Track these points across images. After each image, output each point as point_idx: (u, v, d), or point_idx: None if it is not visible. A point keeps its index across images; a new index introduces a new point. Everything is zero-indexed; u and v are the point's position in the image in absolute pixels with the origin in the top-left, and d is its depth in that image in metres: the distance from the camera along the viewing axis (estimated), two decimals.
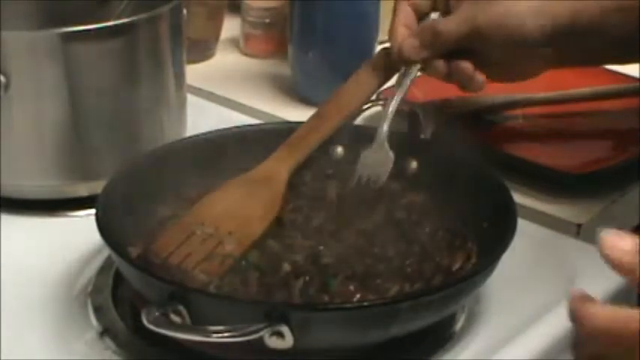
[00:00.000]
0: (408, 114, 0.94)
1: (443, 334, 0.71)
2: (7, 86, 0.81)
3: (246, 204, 0.77)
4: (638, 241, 0.54)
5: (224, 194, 0.78)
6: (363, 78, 0.87)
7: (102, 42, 0.83)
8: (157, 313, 0.62)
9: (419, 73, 0.85)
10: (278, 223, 0.76)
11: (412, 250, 0.73)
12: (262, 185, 0.78)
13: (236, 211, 0.76)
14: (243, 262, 0.71)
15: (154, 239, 0.74)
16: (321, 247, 0.73)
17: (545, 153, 0.95)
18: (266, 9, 1.23)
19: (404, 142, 0.84)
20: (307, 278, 0.68)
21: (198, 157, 0.82)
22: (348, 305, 0.66)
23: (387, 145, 0.81)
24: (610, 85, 1.07)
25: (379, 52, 0.91)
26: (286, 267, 0.70)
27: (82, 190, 0.87)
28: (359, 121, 0.88)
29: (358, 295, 0.67)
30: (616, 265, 0.55)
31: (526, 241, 0.77)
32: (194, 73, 1.07)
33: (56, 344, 0.71)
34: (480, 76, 0.82)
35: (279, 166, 0.80)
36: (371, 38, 1.09)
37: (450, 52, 0.82)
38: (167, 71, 0.90)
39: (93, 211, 0.71)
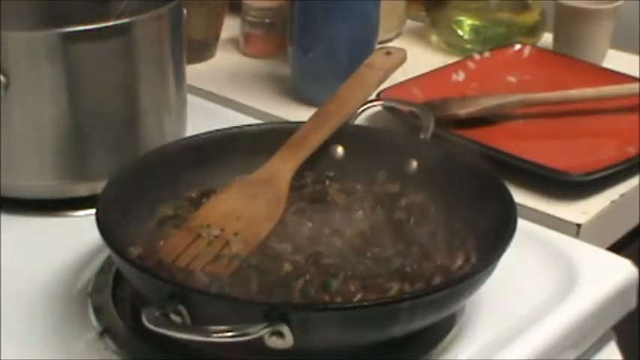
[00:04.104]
0: (408, 114, 0.94)
1: (443, 334, 0.71)
2: (7, 86, 0.81)
3: (251, 205, 0.77)
4: None
5: (229, 196, 0.78)
6: (362, 78, 0.88)
7: (102, 42, 0.83)
8: (157, 313, 0.62)
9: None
10: (279, 223, 0.76)
11: (412, 250, 0.73)
12: (266, 186, 0.78)
13: (241, 212, 0.76)
14: (244, 263, 0.71)
15: (155, 239, 0.74)
16: (322, 248, 0.73)
17: (545, 153, 0.95)
18: (266, 9, 1.23)
19: (404, 142, 0.84)
20: (307, 278, 0.68)
21: (198, 157, 0.82)
22: (348, 305, 0.66)
23: None
24: (610, 85, 1.07)
25: (379, 52, 0.91)
26: (287, 267, 0.70)
27: (82, 190, 0.87)
28: (359, 121, 0.88)
29: (358, 295, 0.67)
30: None
31: (526, 241, 0.77)
32: (194, 73, 1.07)
33: (56, 344, 0.71)
34: None
35: (282, 167, 0.80)
36: (371, 38, 1.09)
37: None
38: (167, 71, 0.90)
39: (93, 211, 0.71)
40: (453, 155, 0.81)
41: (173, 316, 0.62)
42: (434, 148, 0.83)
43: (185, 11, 0.92)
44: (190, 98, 0.98)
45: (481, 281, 0.68)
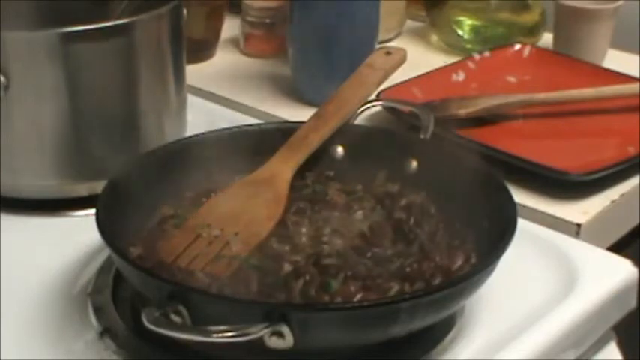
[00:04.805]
0: (408, 114, 0.94)
1: (443, 334, 0.71)
2: (7, 86, 0.81)
3: (251, 205, 0.77)
4: None
5: (229, 196, 0.78)
6: (362, 78, 0.88)
7: (102, 42, 0.83)
8: (156, 313, 0.62)
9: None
10: (279, 223, 0.76)
11: (412, 250, 0.73)
12: (266, 186, 0.78)
13: (241, 212, 0.76)
14: (244, 263, 0.71)
15: (155, 239, 0.74)
16: (322, 248, 0.73)
17: (545, 153, 0.95)
18: (266, 9, 1.23)
19: (404, 142, 0.84)
20: (307, 278, 0.68)
21: (198, 157, 0.82)
22: (348, 305, 0.66)
23: None
24: (610, 85, 1.08)
25: (379, 52, 0.91)
26: (287, 267, 0.70)
27: (82, 190, 0.87)
28: (359, 121, 0.88)
29: (358, 296, 0.67)
30: None
31: (526, 241, 0.77)
32: (194, 73, 1.07)
33: (56, 344, 0.71)
34: None
35: (282, 167, 0.80)
36: (371, 38, 1.09)
37: None
38: (167, 71, 0.90)
39: (93, 211, 0.71)
40: (453, 155, 0.81)
41: (173, 316, 0.62)
42: (434, 148, 0.83)
43: (185, 11, 0.92)
44: (190, 98, 0.98)
45: (481, 281, 0.68)
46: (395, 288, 0.68)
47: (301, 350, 0.63)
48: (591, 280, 0.78)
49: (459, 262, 0.72)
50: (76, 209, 0.87)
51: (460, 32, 1.27)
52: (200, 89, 1.13)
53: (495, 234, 0.71)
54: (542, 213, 0.90)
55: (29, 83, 0.82)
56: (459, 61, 1.17)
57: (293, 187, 0.79)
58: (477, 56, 1.17)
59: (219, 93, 1.14)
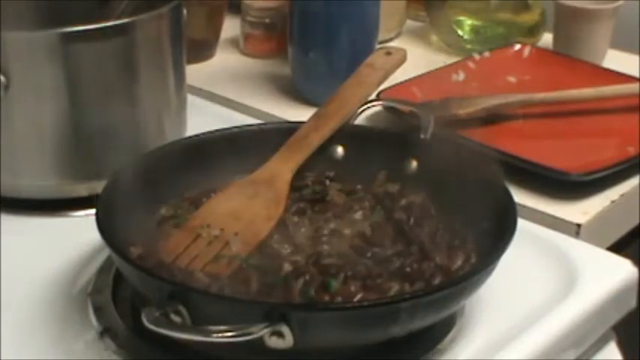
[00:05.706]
0: (408, 114, 0.94)
1: (443, 334, 0.71)
2: (7, 86, 0.81)
3: (250, 205, 0.77)
4: None
5: (228, 196, 0.78)
6: (362, 78, 0.88)
7: (102, 42, 0.83)
8: (156, 313, 0.62)
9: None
10: (279, 223, 0.76)
11: (412, 250, 0.73)
12: (266, 186, 0.78)
13: (241, 212, 0.76)
14: (244, 263, 0.71)
15: (155, 239, 0.74)
16: (322, 248, 0.73)
17: (545, 153, 0.95)
18: (266, 9, 1.23)
19: (404, 142, 0.84)
20: (307, 278, 0.68)
21: (198, 157, 0.82)
22: (348, 305, 0.66)
23: None
24: (610, 85, 1.08)
25: (379, 52, 0.91)
26: (287, 267, 0.70)
27: (82, 190, 0.87)
28: (359, 121, 0.88)
29: (359, 296, 0.67)
30: None
31: (526, 241, 0.77)
32: (194, 73, 1.07)
33: (56, 344, 0.71)
34: None
35: (281, 167, 0.80)
36: (371, 38, 1.09)
37: None
38: (167, 71, 0.90)
39: (93, 211, 0.71)
40: (453, 155, 0.81)
41: (173, 316, 0.62)
42: (434, 148, 0.83)
43: (185, 11, 0.92)
44: (190, 98, 0.98)
45: (481, 281, 0.68)
46: (395, 288, 0.68)
47: (301, 350, 0.63)
48: (591, 280, 0.78)
49: (459, 262, 0.72)
50: (76, 209, 0.87)
51: (460, 32, 1.27)
52: (200, 89, 1.13)
53: (495, 234, 0.71)
54: (542, 213, 0.90)
55: (29, 83, 0.82)
56: (459, 61, 1.17)
57: (293, 187, 0.79)
58: (477, 56, 1.17)
59: (219, 93, 1.14)
